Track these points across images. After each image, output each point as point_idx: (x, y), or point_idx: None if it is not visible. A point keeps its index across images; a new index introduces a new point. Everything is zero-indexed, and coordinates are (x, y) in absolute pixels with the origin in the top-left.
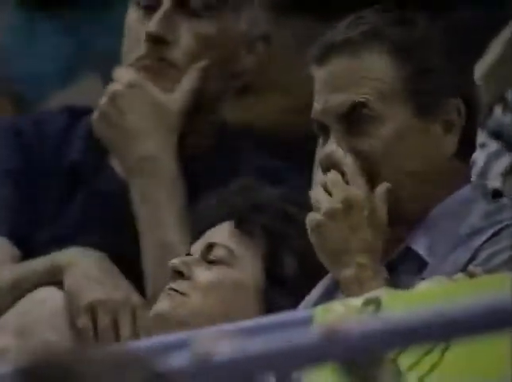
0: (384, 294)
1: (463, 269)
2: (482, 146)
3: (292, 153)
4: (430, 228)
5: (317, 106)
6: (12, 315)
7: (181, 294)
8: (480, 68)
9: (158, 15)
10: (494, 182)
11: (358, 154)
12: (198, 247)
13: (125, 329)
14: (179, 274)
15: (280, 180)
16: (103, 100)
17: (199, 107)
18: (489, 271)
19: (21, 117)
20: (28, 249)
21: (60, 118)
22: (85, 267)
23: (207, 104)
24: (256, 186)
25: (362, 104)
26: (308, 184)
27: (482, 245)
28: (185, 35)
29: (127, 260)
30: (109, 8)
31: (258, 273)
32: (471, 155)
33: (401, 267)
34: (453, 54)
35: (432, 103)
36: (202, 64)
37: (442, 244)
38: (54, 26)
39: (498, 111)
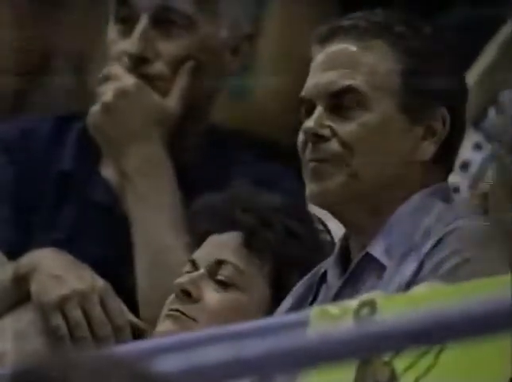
0: (379, 296)
1: (412, 279)
2: (478, 147)
3: (282, 155)
4: (387, 233)
5: (309, 83)
6: (10, 319)
7: (190, 318)
8: (475, 70)
9: (137, 34)
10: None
11: (336, 137)
12: (204, 260)
13: (96, 317)
14: (186, 295)
15: (271, 183)
16: (103, 100)
17: (188, 112)
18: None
19: (7, 126)
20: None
21: (46, 125)
22: (46, 268)
23: (196, 109)
24: (256, 197)
25: (353, 88)
26: (301, 186)
27: (428, 252)
28: (166, 48)
29: (117, 272)
30: None
31: (266, 296)
32: (449, 170)
33: (364, 273)
34: (449, 64)
35: (420, 106)
36: (189, 64)
37: (398, 247)
38: None
39: (492, 113)
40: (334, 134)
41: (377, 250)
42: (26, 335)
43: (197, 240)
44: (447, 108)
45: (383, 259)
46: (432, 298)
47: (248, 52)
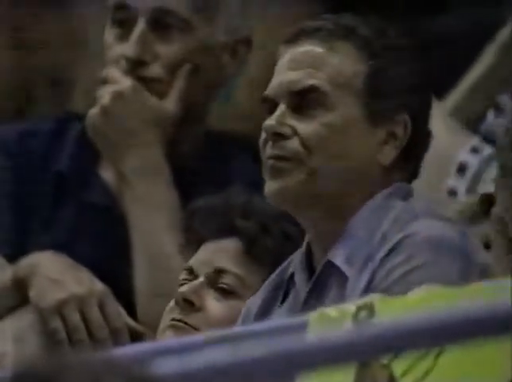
0: (377, 299)
1: (366, 286)
2: (475, 150)
3: None
4: (347, 239)
5: (273, 82)
6: (9, 321)
7: (193, 328)
8: (474, 72)
9: (134, 37)
10: (488, 187)
11: (297, 136)
12: (202, 267)
13: (94, 320)
14: (188, 304)
15: None
16: (101, 103)
17: (186, 115)
18: (385, 290)
19: (6, 128)
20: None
21: (46, 127)
22: (44, 271)
23: (195, 112)
24: (253, 203)
25: (316, 88)
26: None
27: (382, 259)
28: (163, 51)
29: (116, 274)
30: None
31: None
32: (411, 176)
33: (328, 282)
34: (414, 70)
35: (383, 110)
36: (186, 67)
37: (359, 254)
38: None
39: (491, 115)
40: (295, 132)
41: (337, 258)
42: (25, 338)
43: (192, 245)
44: (409, 115)
45: (344, 268)
46: (431, 301)
47: (246, 54)
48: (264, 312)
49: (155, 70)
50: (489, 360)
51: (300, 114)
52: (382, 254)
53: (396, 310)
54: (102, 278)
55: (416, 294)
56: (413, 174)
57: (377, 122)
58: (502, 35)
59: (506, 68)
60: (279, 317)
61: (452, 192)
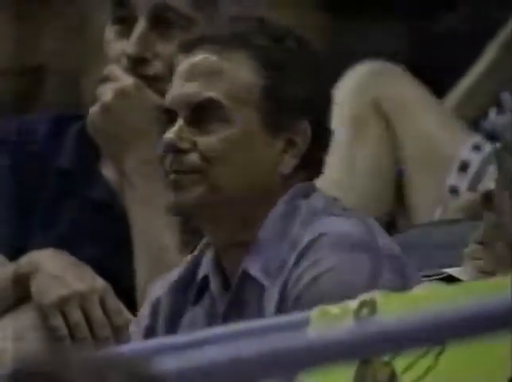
0: (379, 296)
1: (281, 296)
2: (477, 148)
3: None
4: (259, 249)
5: (171, 93)
6: (9, 319)
7: None
8: (475, 70)
9: (135, 35)
10: (490, 185)
11: (196, 150)
12: None
13: (95, 317)
14: None
15: None
16: (102, 101)
17: None
18: (297, 297)
19: (5, 125)
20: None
21: (45, 124)
22: (46, 268)
23: None
24: None
25: (214, 101)
26: None
27: (292, 266)
28: (164, 48)
29: (117, 271)
30: None
31: None
32: (313, 178)
33: (245, 294)
34: (312, 77)
35: (281, 119)
36: None
37: (272, 264)
38: None
39: (493, 113)
40: (194, 147)
41: (252, 268)
42: (26, 335)
43: (191, 243)
44: (308, 121)
45: (261, 277)
46: (433, 298)
47: None
48: (175, 311)
49: (156, 68)
50: (489, 357)
51: (198, 127)
52: (292, 260)
53: (398, 307)
54: (104, 275)
55: (419, 291)
56: (315, 174)
57: (275, 132)
58: (504, 33)
59: (508, 66)
60: (194, 318)
61: (454, 190)
